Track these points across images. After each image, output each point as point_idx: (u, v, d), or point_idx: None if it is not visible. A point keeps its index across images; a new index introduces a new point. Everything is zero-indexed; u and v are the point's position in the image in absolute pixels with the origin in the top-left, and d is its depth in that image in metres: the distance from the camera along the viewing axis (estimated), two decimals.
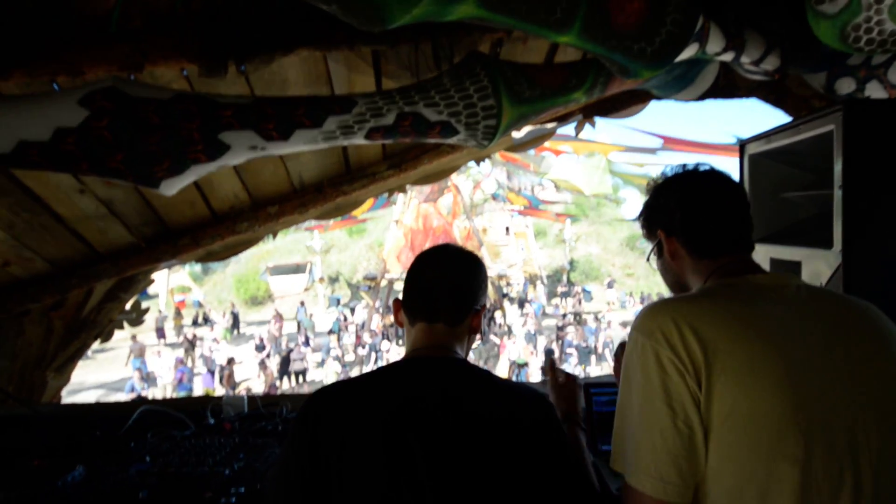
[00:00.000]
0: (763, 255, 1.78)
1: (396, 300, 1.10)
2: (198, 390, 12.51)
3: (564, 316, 17.82)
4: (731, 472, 0.80)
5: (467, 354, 1.07)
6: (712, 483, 0.82)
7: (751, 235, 1.03)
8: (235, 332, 18.41)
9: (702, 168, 1.07)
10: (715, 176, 1.05)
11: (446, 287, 1.03)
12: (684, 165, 1.09)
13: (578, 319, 15.62)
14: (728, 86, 2.62)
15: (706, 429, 0.80)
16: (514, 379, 12.04)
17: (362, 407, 0.89)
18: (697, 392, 0.80)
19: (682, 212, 1.03)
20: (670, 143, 11.82)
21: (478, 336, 1.11)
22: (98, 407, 2.20)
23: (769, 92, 2.62)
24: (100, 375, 14.56)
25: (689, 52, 1.75)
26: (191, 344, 14.93)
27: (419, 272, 1.06)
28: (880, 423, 0.80)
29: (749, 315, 0.86)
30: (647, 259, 1.16)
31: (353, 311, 18.30)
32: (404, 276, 1.09)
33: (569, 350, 13.58)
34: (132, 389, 11.92)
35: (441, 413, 0.88)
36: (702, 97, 2.50)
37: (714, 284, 0.97)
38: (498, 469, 0.86)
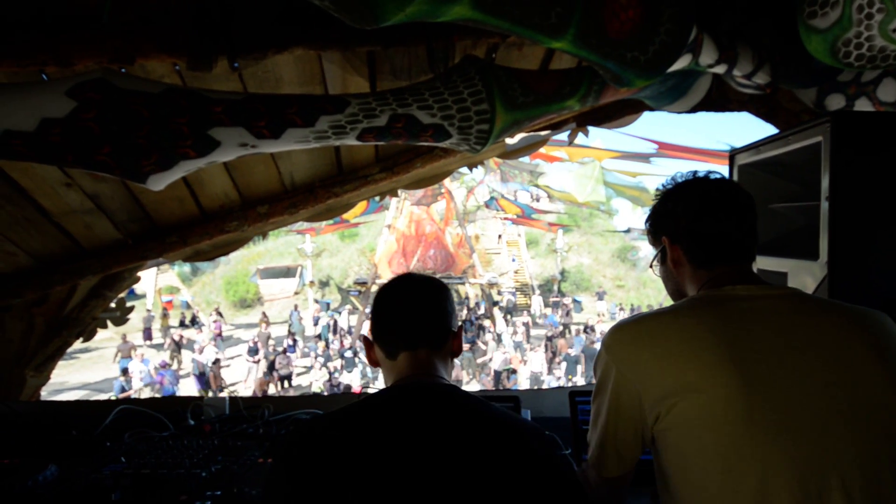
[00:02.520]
0: None
1: (366, 338, 1.05)
2: (183, 394, 12.34)
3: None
4: (691, 480, 0.85)
5: (451, 374, 1.04)
6: (680, 485, 0.87)
7: (753, 247, 1.02)
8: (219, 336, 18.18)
9: (712, 177, 1.06)
10: (724, 185, 1.04)
11: (424, 310, 1.01)
12: (695, 172, 1.08)
13: (567, 331, 15.62)
14: (720, 98, 2.65)
15: (654, 435, 0.91)
16: (502, 386, 12.01)
17: (354, 447, 0.82)
18: (642, 406, 0.90)
19: (688, 219, 1.02)
20: (665, 148, 11.92)
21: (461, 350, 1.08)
22: (76, 405, 2.16)
23: (760, 105, 2.64)
24: (83, 375, 14.33)
25: (681, 63, 1.76)
26: (177, 346, 14.73)
27: (391, 302, 1.02)
28: (845, 435, 0.79)
29: (710, 329, 0.88)
30: (651, 266, 1.15)
31: (339, 314, 18.16)
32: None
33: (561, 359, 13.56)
34: (122, 390, 11.65)
35: (435, 452, 0.82)
36: (694, 109, 2.52)
37: (692, 297, 1.00)
38: None
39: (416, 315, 1.00)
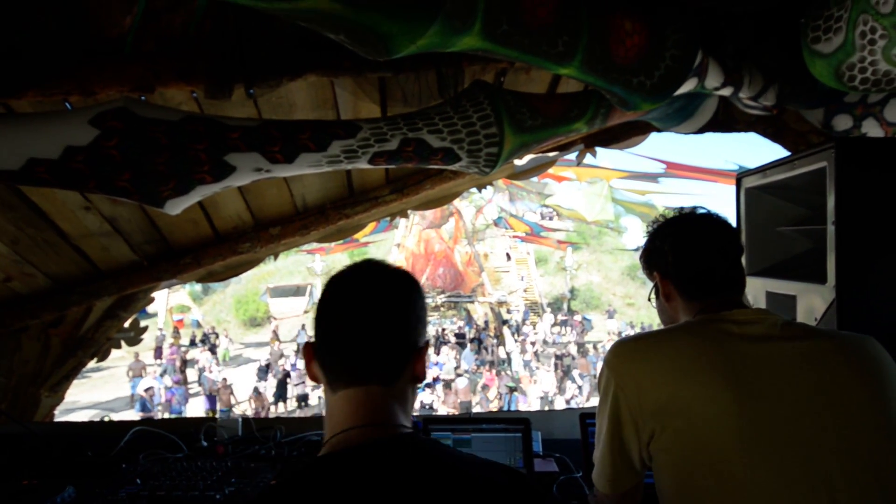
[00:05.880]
0: (759, 288, 1.78)
1: (308, 345, 0.77)
2: (192, 413, 12.33)
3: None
4: (687, 498, 0.88)
5: (411, 413, 0.78)
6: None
7: (741, 278, 1.06)
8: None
9: (698, 211, 1.10)
10: (708, 220, 1.08)
11: (375, 329, 0.73)
12: (681, 209, 1.13)
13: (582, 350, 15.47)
14: (727, 119, 2.66)
15: (650, 453, 0.94)
16: (505, 407, 11.85)
17: None
18: (639, 422, 0.92)
19: (674, 256, 1.07)
20: (673, 168, 11.93)
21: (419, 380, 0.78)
22: (91, 426, 2.18)
23: (768, 126, 2.66)
24: (94, 395, 14.39)
25: (688, 87, 1.79)
26: (183, 364, 14.81)
27: (336, 309, 0.75)
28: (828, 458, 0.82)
29: (704, 349, 0.92)
30: (649, 299, 1.21)
31: None
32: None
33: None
34: (144, 408, 11.62)
35: None
36: (701, 130, 2.54)
37: (688, 320, 1.03)
38: None
39: (367, 334, 0.73)
